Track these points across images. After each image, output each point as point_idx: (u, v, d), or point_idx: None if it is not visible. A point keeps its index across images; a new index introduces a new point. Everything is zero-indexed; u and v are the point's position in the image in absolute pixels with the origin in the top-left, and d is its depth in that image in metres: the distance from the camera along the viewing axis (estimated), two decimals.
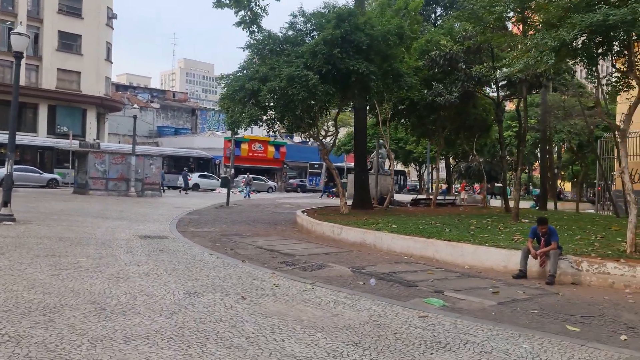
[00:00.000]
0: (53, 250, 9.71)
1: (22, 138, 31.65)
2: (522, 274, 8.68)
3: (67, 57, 45.26)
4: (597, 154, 20.44)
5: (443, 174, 47.99)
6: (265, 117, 17.42)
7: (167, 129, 77.00)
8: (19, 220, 13.57)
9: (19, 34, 13.41)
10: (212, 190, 43.77)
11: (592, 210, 27.24)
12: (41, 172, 34.15)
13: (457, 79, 17.70)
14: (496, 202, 34.28)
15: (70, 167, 34.41)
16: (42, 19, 43.95)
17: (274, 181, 56.93)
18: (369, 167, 31.63)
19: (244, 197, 34.46)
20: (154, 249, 10.67)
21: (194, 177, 43.61)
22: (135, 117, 29.37)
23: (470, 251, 9.67)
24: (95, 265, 8.44)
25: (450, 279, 8.50)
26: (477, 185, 50.29)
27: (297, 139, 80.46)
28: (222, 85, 16.51)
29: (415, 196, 28.64)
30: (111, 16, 50.40)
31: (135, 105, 30.88)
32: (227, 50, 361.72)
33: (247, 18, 20.07)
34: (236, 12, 20.28)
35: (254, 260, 10.02)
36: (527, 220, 14.75)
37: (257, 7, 19.77)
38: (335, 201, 34.27)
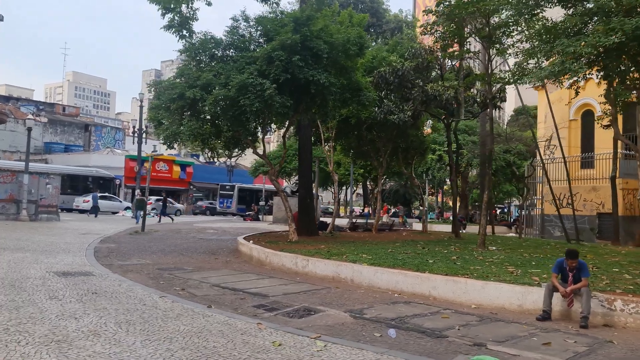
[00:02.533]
0: None
1: None
2: (546, 315, 7.51)
3: None
4: (542, 177, 20.46)
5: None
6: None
7: (56, 145, 70.46)
8: None
9: None
10: (114, 213, 39.91)
11: (513, 234, 27.55)
12: None
13: (409, 97, 16.80)
14: (417, 226, 33.97)
15: None
16: None
17: (179, 203, 53.42)
18: (295, 190, 30.14)
19: (137, 222, 27.57)
20: (84, 291, 8.34)
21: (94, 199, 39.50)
22: (29, 130, 25.54)
23: (477, 288, 8.39)
24: (15, 322, 6.11)
25: (474, 325, 7.12)
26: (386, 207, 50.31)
27: (202, 158, 77.11)
28: (153, 94, 14.27)
29: (353, 220, 27.55)
30: None
31: (30, 116, 27.01)
32: (122, 65, 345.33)
33: (175, 22, 18.12)
34: (163, 15, 18.27)
35: (220, 304, 8.05)
36: (494, 248, 13.95)
37: (190, 8, 17.88)
38: (257, 225, 32.04)
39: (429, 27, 13.84)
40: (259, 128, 15.39)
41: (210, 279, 10.21)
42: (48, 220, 25.70)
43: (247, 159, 72.47)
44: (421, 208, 33.87)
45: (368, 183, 47.02)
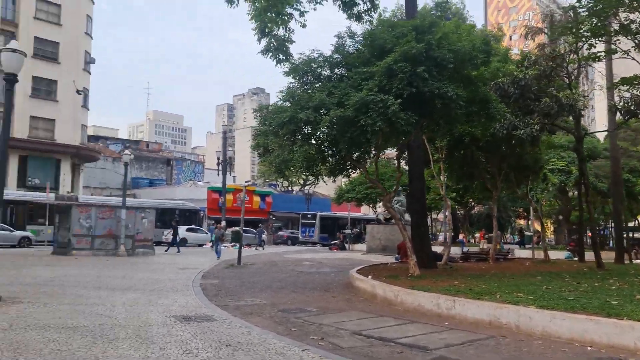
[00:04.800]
0: (72, 353, 6.18)
1: None
2: None
3: (41, 103, 41.49)
4: None
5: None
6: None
7: (141, 180, 73.01)
8: (4, 299, 9.86)
9: (13, 50, 9.99)
10: (201, 245, 39.86)
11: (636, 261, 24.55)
12: (12, 229, 29.77)
13: (532, 110, 15.00)
14: (522, 253, 31.36)
15: (46, 223, 30.35)
16: None
17: None
18: (388, 217, 28.52)
19: (217, 257, 24.84)
20: (216, 342, 7.18)
21: (181, 231, 39.66)
22: (126, 165, 25.85)
23: None
24: None
25: None
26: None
27: (279, 187, 77.19)
28: (259, 119, 13.36)
29: (465, 250, 25.71)
30: (89, 61, 47.10)
31: (127, 152, 27.27)
32: (195, 102, 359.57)
33: (272, 45, 17.50)
34: (259, 40, 17.71)
35: None
36: None
37: (286, 30, 17.20)
38: (348, 255, 30.11)
39: (570, 25, 12.16)
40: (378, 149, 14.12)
41: (345, 325, 8.84)
42: (144, 254, 25.52)
43: (322, 187, 71.64)
44: (529, 234, 31.29)
45: (457, 208, 44.55)
